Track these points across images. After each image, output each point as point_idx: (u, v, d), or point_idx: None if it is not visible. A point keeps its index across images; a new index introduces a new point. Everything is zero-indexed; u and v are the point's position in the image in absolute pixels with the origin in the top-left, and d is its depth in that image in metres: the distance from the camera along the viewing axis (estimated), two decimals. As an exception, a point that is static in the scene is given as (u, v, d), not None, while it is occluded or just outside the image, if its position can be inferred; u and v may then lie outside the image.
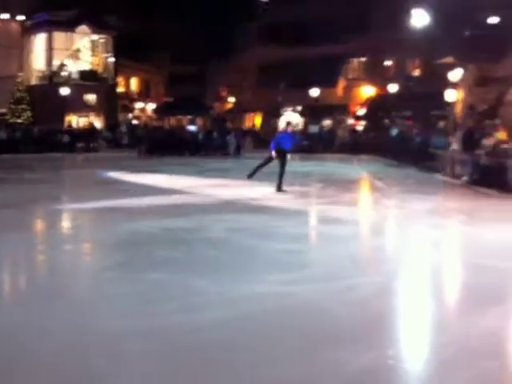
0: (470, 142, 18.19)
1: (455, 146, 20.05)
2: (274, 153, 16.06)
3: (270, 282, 6.72)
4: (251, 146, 37.05)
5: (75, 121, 44.96)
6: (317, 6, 41.51)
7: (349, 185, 18.62)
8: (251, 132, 43.48)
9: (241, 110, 50.53)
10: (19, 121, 41.83)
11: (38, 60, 47.75)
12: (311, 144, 36.33)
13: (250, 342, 5.01)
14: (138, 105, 54.15)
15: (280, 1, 45.45)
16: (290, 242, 9.15)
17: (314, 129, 41.81)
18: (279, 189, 15.52)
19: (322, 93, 42.92)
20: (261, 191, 15.66)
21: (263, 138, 40.17)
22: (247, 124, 49.91)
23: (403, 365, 4.63)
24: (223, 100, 55.59)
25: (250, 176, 17.05)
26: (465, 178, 17.94)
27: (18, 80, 43.84)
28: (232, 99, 53.64)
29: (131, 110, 52.92)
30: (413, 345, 5.16)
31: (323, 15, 41.37)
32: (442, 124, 32.15)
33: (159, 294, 6.30)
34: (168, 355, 4.68)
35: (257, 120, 50.18)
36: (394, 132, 33.93)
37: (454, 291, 7.16)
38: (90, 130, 39.61)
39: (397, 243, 9.94)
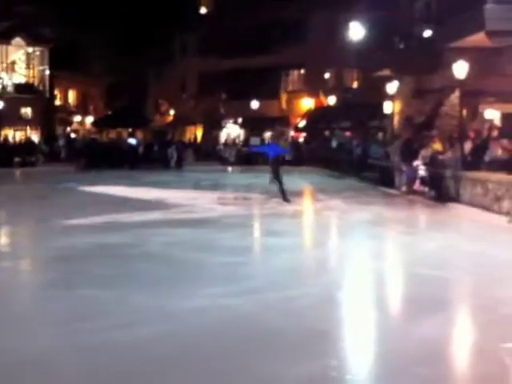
0: (409, 152, 18.48)
1: (394, 156, 20.36)
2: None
3: (210, 295, 6.65)
4: (192, 158, 36.87)
5: (11, 135, 43.92)
6: (252, 18, 41.98)
7: (290, 196, 18.66)
8: (192, 144, 43.30)
9: (181, 122, 50.31)
10: None
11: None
12: (252, 156, 36.38)
13: (188, 355, 4.95)
14: (77, 118, 53.30)
15: (219, 11, 45.64)
16: (231, 254, 9.08)
17: (255, 141, 41.91)
18: (285, 199, 15.71)
19: (262, 105, 43.06)
20: (200, 203, 15.55)
21: (204, 151, 40.15)
22: (188, 136, 49.69)
23: (343, 375, 4.61)
24: (163, 112, 55.25)
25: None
26: (403, 189, 18.23)
27: None
28: (172, 111, 53.39)
29: (69, 123, 52.02)
30: (351, 355, 5.16)
31: (259, 26, 41.88)
32: (380, 135, 32.63)
33: (96, 310, 6.15)
34: (105, 371, 4.59)
35: (198, 132, 50.04)
36: (335, 143, 34.28)
37: (392, 301, 7.20)
38: (27, 143, 38.71)
39: (337, 254, 9.99)
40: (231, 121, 47.51)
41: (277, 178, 16.00)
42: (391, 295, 7.44)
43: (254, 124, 43.65)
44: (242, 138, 44.67)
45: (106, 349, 5.04)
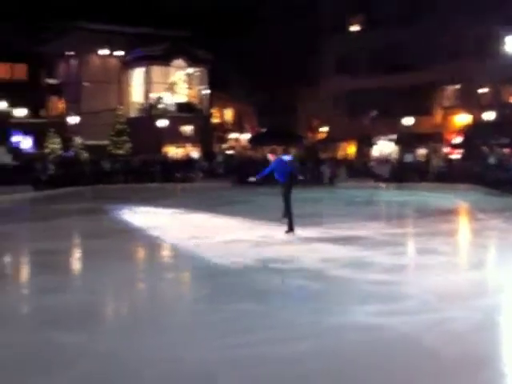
0: None
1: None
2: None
3: (363, 313, 6.62)
4: (345, 175, 36.83)
5: (172, 152, 46.13)
6: (402, 35, 41.43)
7: (446, 215, 18.15)
8: (344, 161, 43.25)
9: (333, 139, 50.42)
10: (120, 152, 43.32)
11: (136, 93, 49.52)
12: (405, 173, 35.76)
13: (345, 372, 4.95)
14: (232, 135, 55.07)
15: (369, 28, 45.54)
16: (383, 272, 9.00)
17: (408, 158, 41.19)
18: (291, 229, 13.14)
19: (415, 121, 42.31)
20: (352, 220, 15.49)
21: (356, 168, 39.94)
22: (340, 153, 49.68)
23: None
24: (315, 129, 55.67)
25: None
26: None
27: (118, 113, 45.50)
28: (324, 128, 53.66)
29: (225, 140, 53.85)
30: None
31: (409, 43, 41.29)
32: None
33: (251, 324, 6.31)
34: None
35: (350, 149, 49.90)
36: (492, 160, 32.91)
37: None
38: (187, 160, 40.55)
39: (498, 277, 9.54)
40: (383, 137, 47.01)
41: (286, 202, 13.32)
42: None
43: (406, 140, 42.99)
44: (395, 154, 44.04)
45: (264, 363, 5.14)
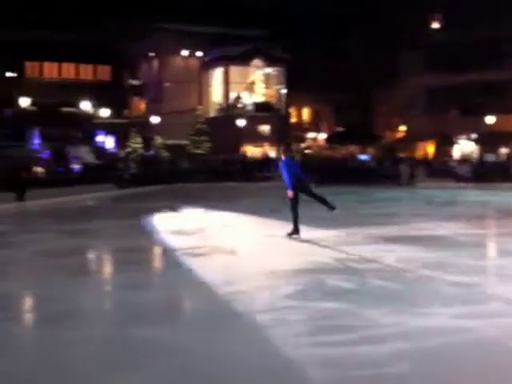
0: None
1: None
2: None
3: (446, 315, 6.61)
4: (423, 175, 36.32)
5: (250, 151, 46.58)
6: (481, 31, 40.43)
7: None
8: (423, 161, 42.63)
9: (412, 138, 49.73)
10: (199, 151, 44.06)
11: (215, 93, 50.25)
12: (487, 173, 34.96)
13: (426, 376, 4.95)
14: (310, 135, 55.08)
15: (447, 25, 44.66)
16: (464, 273, 8.91)
17: (490, 157, 40.24)
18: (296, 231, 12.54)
19: (498, 120, 41.26)
20: (431, 219, 15.32)
21: (436, 167, 39.31)
22: (419, 153, 48.96)
23: None
24: (394, 128, 55.04)
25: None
26: None
27: (198, 113, 46.27)
28: (402, 127, 52.98)
29: (303, 139, 53.94)
30: None
31: (490, 39, 40.26)
32: None
33: (334, 323, 6.40)
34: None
35: (429, 148, 49.10)
36: None
37: None
38: (265, 159, 40.89)
39: None
40: (464, 136, 46.07)
41: (294, 205, 12.47)
42: None
43: (488, 140, 42.01)
44: (475, 154, 43.13)
45: (349, 363, 5.17)
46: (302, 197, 12.61)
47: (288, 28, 48.26)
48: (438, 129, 44.65)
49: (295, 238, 12.40)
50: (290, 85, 50.10)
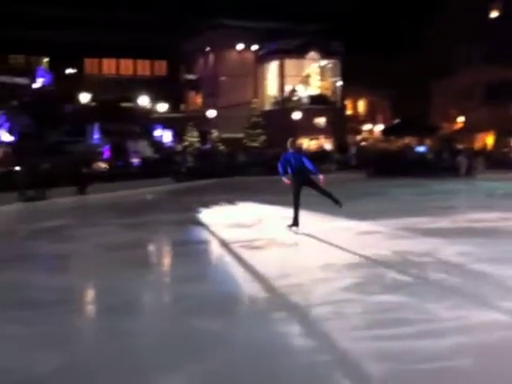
0: None
1: None
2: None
3: (507, 310, 6.50)
4: (483, 166, 35.57)
5: (306, 144, 46.48)
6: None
7: None
8: (483, 152, 41.75)
9: (470, 129, 48.74)
10: (255, 145, 44.19)
11: (270, 86, 50.27)
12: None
13: (487, 372, 4.90)
14: (366, 127, 54.61)
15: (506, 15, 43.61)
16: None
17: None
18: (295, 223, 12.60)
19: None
20: (491, 212, 15.04)
21: (496, 159, 38.43)
22: (478, 144, 47.97)
23: None
24: (452, 119, 54.05)
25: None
26: None
27: (253, 106, 46.37)
28: (461, 119, 51.96)
29: (359, 132, 53.51)
30: None
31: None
32: None
33: (394, 317, 6.38)
34: (407, 379, 4.76)
35: (488, 140, 48.06)
36: None
37: None
38: (320, 152, 40.75)
39: None
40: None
41: (295, 199, 12.55)
42: None
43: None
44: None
45: (407, 357, 5.17)
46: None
47: (345, 23, 47.80)
48: (497, 120, 43.67)
49: (349, 229, 12.41)
50: (345, 77, 49.74)
